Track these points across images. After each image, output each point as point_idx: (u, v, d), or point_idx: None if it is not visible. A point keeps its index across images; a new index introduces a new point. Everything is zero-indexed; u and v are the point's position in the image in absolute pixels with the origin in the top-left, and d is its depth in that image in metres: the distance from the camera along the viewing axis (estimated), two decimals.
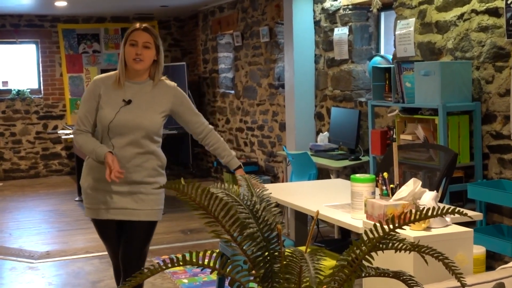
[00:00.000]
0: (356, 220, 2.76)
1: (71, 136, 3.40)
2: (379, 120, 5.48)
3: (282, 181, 7.15)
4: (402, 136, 4.68)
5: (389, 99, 4.94)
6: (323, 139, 6.20)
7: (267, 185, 3.21)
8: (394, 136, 4.84)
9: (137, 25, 3.15)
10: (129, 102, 3.11)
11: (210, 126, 3.42)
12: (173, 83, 3.30)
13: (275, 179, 7.68)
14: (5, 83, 10.01)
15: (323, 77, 6.49)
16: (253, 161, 8.12)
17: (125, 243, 3.20)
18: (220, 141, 3.41)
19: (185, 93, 3.38)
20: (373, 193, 2.76)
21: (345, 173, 5.57)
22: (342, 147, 6.12)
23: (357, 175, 2.81)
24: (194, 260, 1.65)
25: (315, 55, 6.61)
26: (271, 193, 1.92)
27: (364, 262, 1.65)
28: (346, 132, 5.83)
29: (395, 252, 1.65)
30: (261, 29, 7.75)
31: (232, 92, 8.93)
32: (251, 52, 8.16)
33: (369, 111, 5.16)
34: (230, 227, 1.72)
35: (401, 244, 1.64)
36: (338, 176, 5.36)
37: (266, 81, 7.79)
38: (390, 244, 1.65)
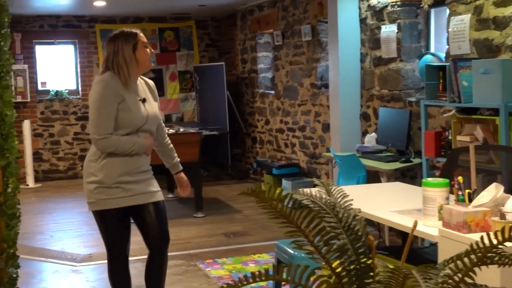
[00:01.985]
0: (429, 227, 2.57)
1: (100, 141, 3.38)
2: (431, 121, 5.26)
3: None
4: (459, 138, 4.47)
5: (444, 98, 4.73)
6: (370, 140, 6.01)
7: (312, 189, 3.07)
8: (450, 137, 4.63)
9: (135, 29, 3.47)
10: (144, 100, 3.41)
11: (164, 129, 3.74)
12: (150, 80, 3.69)
13: None
14: (43, 84, 10.01)
15: (370, 76, 6.30)
16: (294, 163, 7.96)
17: (152, 225, 3.48)
18: (169, 147, 3.78)
19: None
20: (447, 198, 2.57)
21: (395, 176, 5.37)
22: (390, 148, 5.92)
23: (430, 179, 2.62)
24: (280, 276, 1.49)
25: (361, 53, 6.42)
26: (352, 200, 1.75)
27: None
28: (395, 133, 5.63)
29: (503, 267, 1.47)
30: (303, 27, 7.57)
31: (272, 92, 8.78)
32: (292, 51, 7.99)
33: (422, 111, 4.95)
34: (314, 237, 1.55)
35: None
36: (388, 179, 5.17)
37: (308, 81, 7.62)
38: (498, 258, 1.47)
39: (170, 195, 8.32)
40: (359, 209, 1.65)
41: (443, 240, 2.34)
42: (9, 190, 3.55)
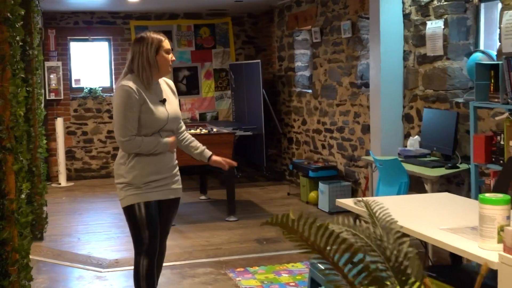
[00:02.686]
0: (486, 251, 2.23)
1: (125, 143, 3.51)
2: (480, 124, 4.88)
3: (365, 188, 6.62)
4: None
5: (496, 100, 4.35)
6: (413, 143, 5.64)
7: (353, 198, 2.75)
8: (502, 142, 4.25)
9: (161, 36, 3.61)
10: (164, 100, 3.58)
11: (185, 129, 3.90)
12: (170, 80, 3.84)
13: (356, 185, 7.15)
14: (77, 81, 9.87)
15: (413, 75, 5.93)
16: (332, 165, 7.62)
17: (167, 218, 3.76)
18: (192, 142, 3.91)
19: None
20: (508, 217, 2.23)
21: (441, 183, 5.00)
22: (434, 152, 5.55)
23: (487, 195, 2.28)
24: None
25: (404, 51, 6.05)
26: (401, 227, 1.43)
27: None
28: (441, 136, 5.25)
29: None
30: (342, 23, 7.23)
31: (310, 91, 8.45)
32: (331, 49, 7.65)
33: (471, 113, 4.58)
34: (355, 278, 1.24)
35: None
36: (433, 186, 4.80)
37: (348, 80, 7.27)
38: None
39: (202, 197, 8.07)
40: (415, 249, 1.33)
41: (505, 268, 2.00)
42: (23, 196, 3.33)
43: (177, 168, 3.77)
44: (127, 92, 3.45)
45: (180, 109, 3.93)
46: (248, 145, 9.05)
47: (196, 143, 3.90)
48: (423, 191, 5.61)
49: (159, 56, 3.54)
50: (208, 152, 3.89)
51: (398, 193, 4.98)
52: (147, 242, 3.61)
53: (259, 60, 9.03)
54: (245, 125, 9.05)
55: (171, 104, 3.64)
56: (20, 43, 5.48)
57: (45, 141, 6.13)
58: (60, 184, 9.32)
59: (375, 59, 6.14)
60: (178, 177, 3.77)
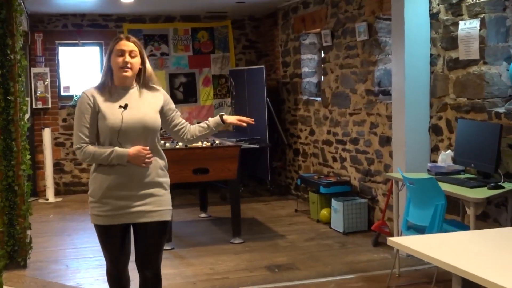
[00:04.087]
0: None
1: (77, 151, 3.29)
2: None
3: (385, 206, 5.98)
4: None
5: None
6: (445, 158, 5.00)
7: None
8: None
9: (122, 35, 3.33)
10: (125, 106, 3.23)
11: (187, 122, 3.55)
12: (159, 86, 3.48)
13: (373, 202, 6.51)
14: (66, 88, 9.21)
15: (442, 82, 5.30)
16: (344, 180, 6.97)
17: (143, 245, 3.29)
18: (196, 126, 3.53)
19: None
20: None
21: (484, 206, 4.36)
22: (468, 169, 4.91)
23: None
24: None
25: (431, 55, 5.42)
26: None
27: None
28: (479, 150, 4.62)
29: None
30: (357, 25, 6.60)
31: (318, 99, 7.81)
32: (343, 53, 7.02)
33: None
34: None
35: None
36: (477, 210, 4.16)
37: (363, 87, 6.64)
38: None
39: (202, 214, 7.42)
40: None
41: None
42: None
43: (157, 187, 3.31)
44: (81, 98, 3.30)
45: None
46: (251, 157, 8.40)
47: (201, 128, 3.52)
48: (458, 213, 4.98)
49: (112, 59, 3.29)
50: (217, 118, 3.53)
51: (434, 217, 4.34)
52: (108, 266, 3.44)
53: (263, 66, 8.40)
54: (247, 136, 8.40)
55: (141, 111, 3.27)
56: None
57: (29, 156, 5.45)
58: (47, 199, 8.64)
59: (398, 64, 5.51)
60: (155, 198, 3.29)
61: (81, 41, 9.13)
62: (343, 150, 7.13)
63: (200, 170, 5.98)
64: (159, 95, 3.41)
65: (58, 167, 9.04)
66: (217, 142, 6.44)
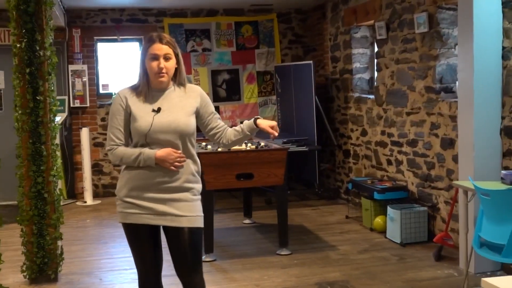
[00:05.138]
0: None
1: (108, 152, 3.17)
2: None
3: (450, 216, 5.39)
4: None
5: None
6: None
7: None
8: None
9: (154, 36, 3.15)
10: (158, 110, 3.12)
11: (225, 125, 3.37)
12: (197, 86, 3.34)
13: (433, 210, 5.92)
14: (105, 86, 8.85)
15: None
16: (401, 185, 6.40)
17: (178, 254, 3.18)
18: (232, 130, 3.34)
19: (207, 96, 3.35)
20: None
21: None
22: None
23: None
24: None
25: (503, 48, 4.82)
26: None
27: None
28: None
29: None
30: (416, 16, 6.01)
31: (371, 97, 7.24)
32: (399, 47, 6.43)
33: None
34: None
35: None
36: None
37: (422, 84, 6.05)
38: None
39: (246, 221, 6.95)
40: None
41: None
42: None
43: (186, 193, 3.16)
44: (114, 99, 3.21)
45: (220, 117, 3.42)
46: (298, 159, 7.89)
47: (235, 129, 3.33)
48: None
49: (146, 63, 3.14)
50: (251, 122, 3.28)
51: None
52: (139, 276, 3.26)
53: (311, 61, 7.86)
54: (294, 136, 7.89)
55: (174, 114, 3.13)
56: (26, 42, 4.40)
57: (60, 161, 5.06)
58: (85, 202, 8.30)
59: (465, 59, 4.92)
60: (183, 203, 3.14)
61: (120, 37, 8.76)
62: (399, 152, 6.55)
63: (244, 175, 5.50)
64: (195, 96, 3.25)
65: (96, 168, 8.69)
66: (262, 144, 5.95)
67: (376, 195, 6.28)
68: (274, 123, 3.24)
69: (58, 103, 5.32)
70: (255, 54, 9.05)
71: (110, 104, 8.63)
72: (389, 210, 6.04)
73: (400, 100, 6.47)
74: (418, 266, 5.21)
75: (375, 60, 7.14)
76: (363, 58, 7.68)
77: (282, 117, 8.81)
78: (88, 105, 8.58)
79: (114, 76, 8.88)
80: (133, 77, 8.24)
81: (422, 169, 6.11)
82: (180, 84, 3.23)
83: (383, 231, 6.22)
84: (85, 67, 8.50)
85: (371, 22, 7.10)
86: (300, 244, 5.95)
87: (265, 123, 3.23)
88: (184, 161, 3.12)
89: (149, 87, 3.15)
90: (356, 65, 7.68)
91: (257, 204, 7.64)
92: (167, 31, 8.69)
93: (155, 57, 3.09)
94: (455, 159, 5.51)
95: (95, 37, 8.69)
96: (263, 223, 6.91)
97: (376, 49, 7.14)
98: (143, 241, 3.17)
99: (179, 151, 3.11)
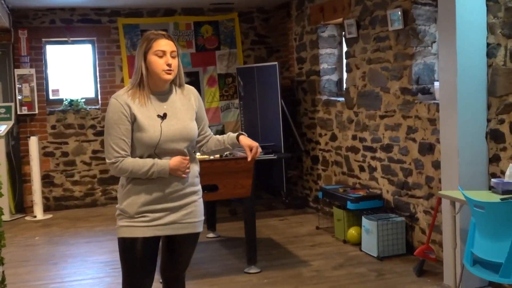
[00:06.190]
0: None
1: (112, 166, 2.91)
2: None
3: (431, 229, 4.99)
4: None
5: None
6: None
7: None
8: None
9: (160, 32, 3.01)
10: (164, 116, 3.00)
11: (211, 133, 3.32)
12: (191, 86, 3.22)
13: (411, 220, 5.53)
14: (55, 91, 8.25)
15: (504, 78, 4.32)
16: (375, 193, 5.99)
17: (174, 257, 3.16)
18: (214, 138, 3.29)
19: None
20: None
21: None
22: None
23: None
24: None
25: (488, 44, 4.44)
26: None
27: None
28: None
29: None
30: (389, 12, 5.62)
31: (341, 99, 6.83)
32: (371, 46, 6.03)
33: None
34: None
35: None
36: None
37: (397, 85, 5.66)
38: None
39: (210, 234, 6.46)
40: None
41: None
42: None
43: (193, 196, 3.11)
44: (113, 106, 2.97)
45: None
46: (264, 166, 7.42)
47: (218, 141, 3.27)
48: None
49: (148, 60, 2.98)
50: (233, 137, 3.22)
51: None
52: (136, 280, 3.07)
53: (275, 63, 7.42)
54: (259, 142, 7.38)
55: (180, 120, 3.03)
56: None
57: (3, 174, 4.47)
58: (35, 216, 7.68)
59: (447, 57, 4.53)
60: (194, 209, 3.10)
61: (71, 39, 8.17)
62: (373, 158, 6.15)
63: (208, 187, 5.01)
64: (194, 98, 3.16)
65: (47, 180, 8.08)
66: (226, 153, 5.47)
67: (350, 205, 5.86)
68: (255, 144, 3.13)
69: (4, 110, 4.76)
70: (216, 56, 8.57)
71: (61, 111, 8.06)
72: (364, 221, 5.63)
73: (373, 103, 6.07)
74: (400, 282, 4.79)
75: (344, 61, 6.74)
76: (331, 58, 7.27)
77: (245, 122, 8.35)
78: (36, 112, 7.96)
79: (65, 80, 8.29)
80: (86, 81, 7.45)
81: (398, 176, 5.72)
82: (180, 85, 3.11)
83: (357, 243, 5.80)
84: (33, 71, 7.88)
85: (340, 20, 6.69)
86: (270, 260, 5.48)
87: (246, 142, 3.15)
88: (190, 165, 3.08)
89: (149, 89, 3.00)
90: (324, 66, 7.26)
91: (221, 215, 7.16)
92: (122, 32, 8.15)
93: (163, 53, 2.96)
94: (435, 165, 5.12)
95: (44, 39, 8.09)
96: (228, 236, 6.43)
97: (345, 48, 6.73)
98: (149, 256, 3.04)
99: (188, 157, 3.03)
